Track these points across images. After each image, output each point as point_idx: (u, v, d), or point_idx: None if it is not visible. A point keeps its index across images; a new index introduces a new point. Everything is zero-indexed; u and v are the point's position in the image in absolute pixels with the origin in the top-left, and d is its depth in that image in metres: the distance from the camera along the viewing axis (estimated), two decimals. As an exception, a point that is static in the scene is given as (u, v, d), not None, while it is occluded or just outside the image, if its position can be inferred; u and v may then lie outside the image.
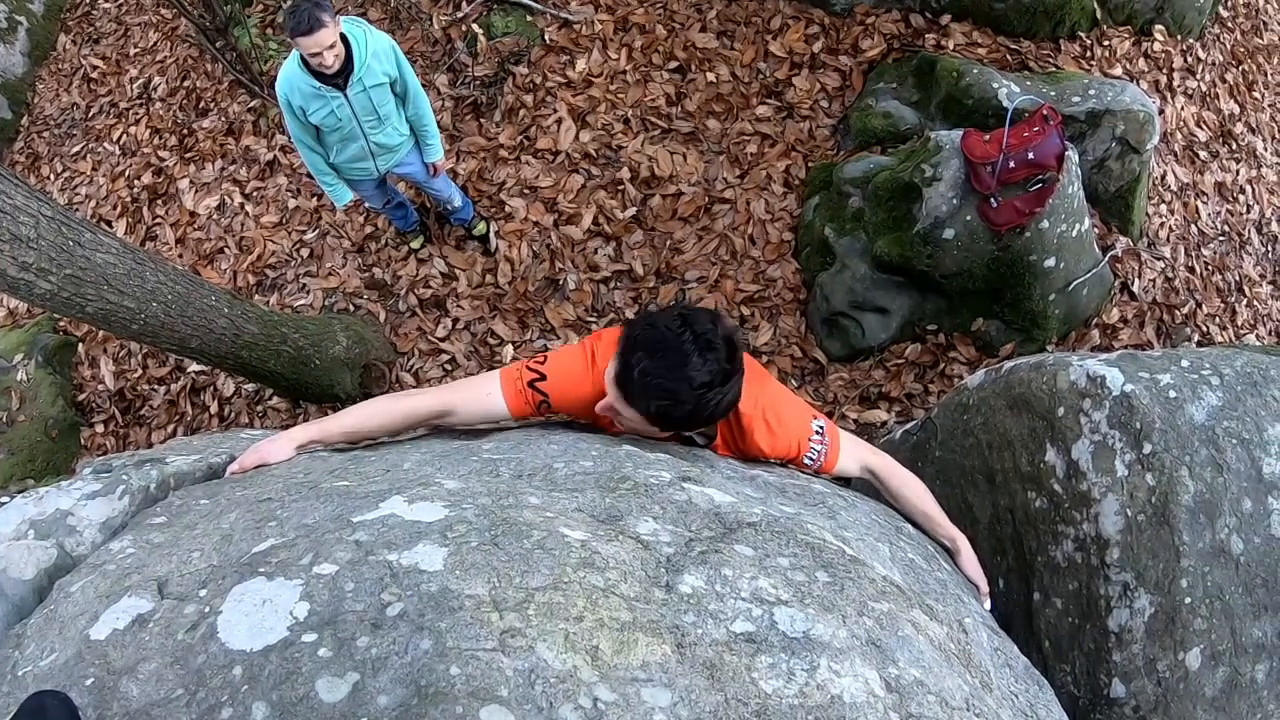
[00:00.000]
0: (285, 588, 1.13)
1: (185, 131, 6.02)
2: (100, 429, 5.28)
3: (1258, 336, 4.97)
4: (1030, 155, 4.01)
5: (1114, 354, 2.41)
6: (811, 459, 2.03)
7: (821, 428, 2.05)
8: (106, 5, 6.95)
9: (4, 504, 1.69)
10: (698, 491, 1.38)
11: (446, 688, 0.93)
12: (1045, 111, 4.12)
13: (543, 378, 1.93)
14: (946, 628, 1.25)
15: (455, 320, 5.06)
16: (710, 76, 5.39)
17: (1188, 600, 2.04)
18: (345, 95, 3.77)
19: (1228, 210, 5.25)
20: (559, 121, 5.35)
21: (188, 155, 5.93)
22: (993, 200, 4.11)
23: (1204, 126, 5.40)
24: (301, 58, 3.63)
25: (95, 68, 6.60)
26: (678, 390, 1.66)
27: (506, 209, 5.21)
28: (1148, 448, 2.13)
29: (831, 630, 1.05)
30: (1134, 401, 2.18)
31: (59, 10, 7.01)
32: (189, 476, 1.85)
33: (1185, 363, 2.25)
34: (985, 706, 1.11)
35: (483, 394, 1.93)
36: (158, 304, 3.38)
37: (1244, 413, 2.09)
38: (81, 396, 5.41)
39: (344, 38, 3.63)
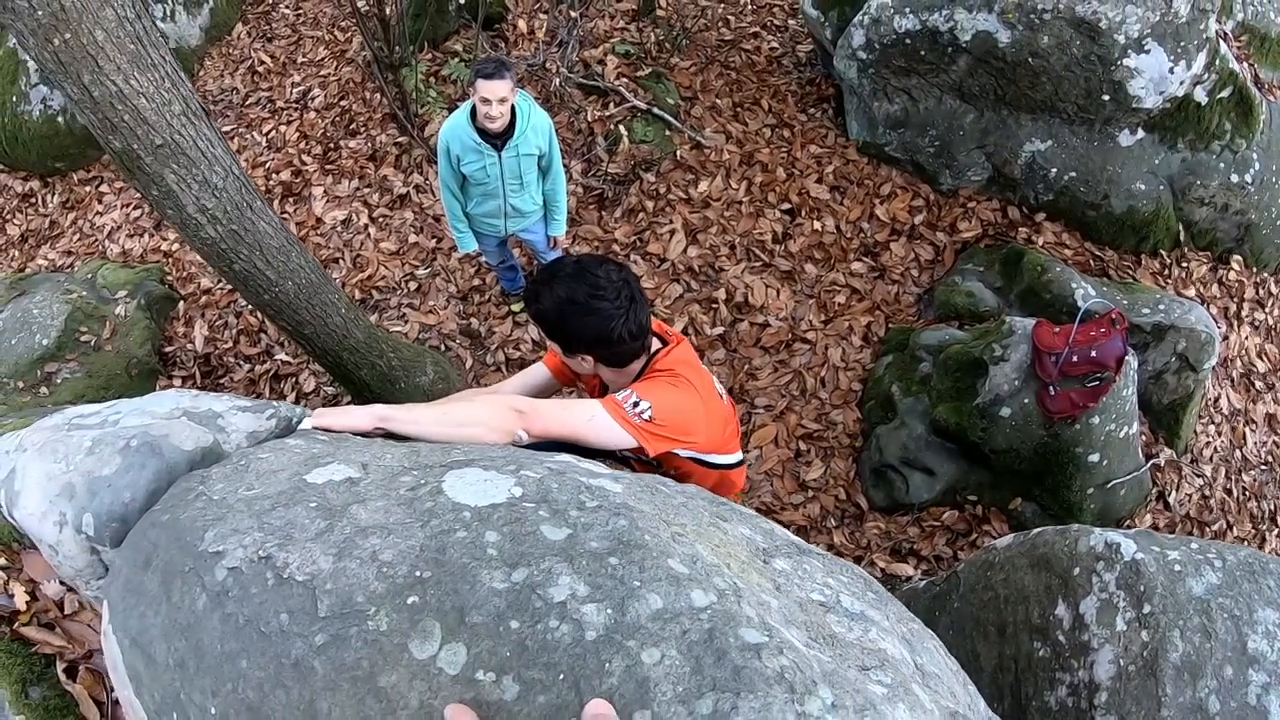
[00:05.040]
0: (500, 477, 1.33)
1: (331, 145, 6.40)
2: (177, 383, 5.43)
3: (1282, 566, 4.99)
4: (1093, 353, 4.23)
5: (1132, 530, 2.67)
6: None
7: (636, 402, 2.07)
8: (285, 11, 7.45)
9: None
10: (780, 528, 1.65)
11: (640, 543, 1.20)
12: (1114, 316, 4.37)
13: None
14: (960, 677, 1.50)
15: (536, 389, 5.30)
16: (816, 225, 5.72)
17: (1160, 750, 2.23)
18: (499, 156, 4.18)
19: (1274, 442, 5.33)
20: (672, 232, 5.69)
21: (328, 167, 6.28)
22: (1051, 389, 4.32)
23: (1265, 358, 5.51)
24: (472, 112, 4.06)
25: (263, 63, 7.02)
26: (598, 302, 2.01)
27: (606, 299, 5.53)
28: (1147, 608, 2.35)
29: (879, 616, 1.32)
30: (1141, 568, 2.42)
31: (242, 1, 7.47)
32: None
33: (1194, 545, 2.49)
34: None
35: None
36: (292, 284, 3.62)
37: (1239, 594, 2.32)
38: (169, 349, 5.62)
39: (512, 107, 4.07)
